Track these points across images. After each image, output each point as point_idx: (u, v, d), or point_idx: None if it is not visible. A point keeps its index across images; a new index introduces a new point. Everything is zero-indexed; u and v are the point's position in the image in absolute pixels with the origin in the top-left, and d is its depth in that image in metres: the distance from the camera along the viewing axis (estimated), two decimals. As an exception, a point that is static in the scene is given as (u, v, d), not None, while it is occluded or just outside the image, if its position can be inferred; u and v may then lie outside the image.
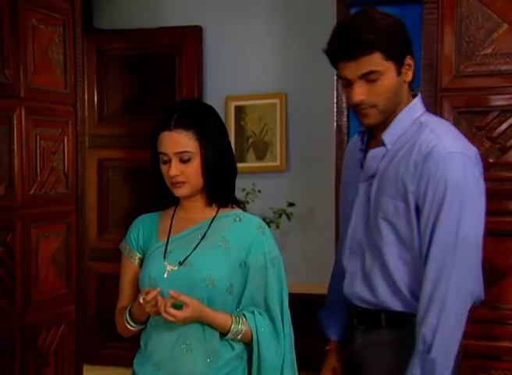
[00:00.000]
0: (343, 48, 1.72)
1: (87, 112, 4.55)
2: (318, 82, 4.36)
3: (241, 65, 4.57)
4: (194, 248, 1.75)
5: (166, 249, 1.77)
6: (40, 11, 2.95)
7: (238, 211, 1.82)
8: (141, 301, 1.67)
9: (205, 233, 1.77)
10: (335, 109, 3.54)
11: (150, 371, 1.77)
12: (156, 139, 1.75)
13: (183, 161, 1.71)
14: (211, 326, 1.73)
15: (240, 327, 1.73)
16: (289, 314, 1.82)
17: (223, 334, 1.74)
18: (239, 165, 4.42)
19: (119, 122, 4.70)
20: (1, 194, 2.77)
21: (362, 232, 1.84)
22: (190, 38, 4.57)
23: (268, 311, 1.77)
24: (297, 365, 4.25)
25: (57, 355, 3.10)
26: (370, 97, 1.74)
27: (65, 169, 3.16)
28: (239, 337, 1.74)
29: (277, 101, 4.48)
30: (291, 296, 4.67)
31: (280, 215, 4.28)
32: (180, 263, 1.74)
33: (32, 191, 2.95)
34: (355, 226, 1.86)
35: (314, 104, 4.41)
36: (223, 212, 1.81)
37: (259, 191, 4.33)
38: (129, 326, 1.80)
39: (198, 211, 1.81)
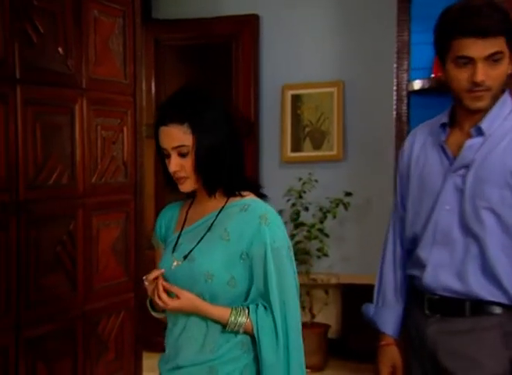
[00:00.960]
0: (475, 24, 1.70)
1: (144, 102, 4.59)
2: (376, 69, 4.29)
3: (298, 53, 4.53)
4: (198, 242, 1.71)
5: (177, 242, 1.76)
6: (101, 2, 2.99)
7: (248, 199, 1.73)
8: (145, 282, 1.68)
9: (211, 226, 1.72)
10: (394, 97, 3.47)
11: (162, 364, 1.77)
12: (157, 134, 1.71)
13: (181, 155, 1.67)
14: (213, 320, 1.68)
15: (239, 320, 1.66)
16: (295, 310, 1.70)
17: (224, 327, 1.68)
18: (295, 154, 4.55)
19: (176, 111, 4.73)
20: (64, 183, 2.83)
21: (453, 222, 1.81)
22: (246, 27, 4.56)
23: (269, 306, 1.67)
24: (353, 356, 4.18)
25: (117, 341, 3.16)
26: (488, 79, 1.75)
27: (124, 159, 3.20)
28: (240, 330, 1.67)
29: (334, 89, 4.43)
30: (347, 286, 4.62)
31: (337, 205, 4.24)
32: (185, 257, 1.71)
33: (93, 180, 3.00)
34: (440, 217, 1.83)
35: (372, 92, 4.34)
36: (233, 201, 1.73)
37: (316, 181, 4.30)
38: (153, 314, 1.80)
39: (210, 202, 1.75)
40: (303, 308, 4.32)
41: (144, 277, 1.69)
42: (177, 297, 1.65)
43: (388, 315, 2.01)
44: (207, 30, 4.62)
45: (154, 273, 1.67)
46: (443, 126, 1.89)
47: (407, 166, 1.98)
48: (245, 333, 1.67)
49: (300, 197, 4.29)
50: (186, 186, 1.70)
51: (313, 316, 4.36)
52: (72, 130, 2.87)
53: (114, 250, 3.13)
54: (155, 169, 4.78)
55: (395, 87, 3.42)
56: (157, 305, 1.74)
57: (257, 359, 1.68)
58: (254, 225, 1.66)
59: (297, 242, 4.31)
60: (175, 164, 1.67)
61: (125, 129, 3.20)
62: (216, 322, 1.67)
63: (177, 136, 1.66)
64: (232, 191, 1.73)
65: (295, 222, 4.31)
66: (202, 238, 1.71)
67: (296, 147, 4.56)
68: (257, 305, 1.67)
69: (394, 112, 3.45)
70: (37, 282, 2.67)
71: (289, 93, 4.55)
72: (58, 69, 2.75)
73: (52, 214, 2.78)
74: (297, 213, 4.31)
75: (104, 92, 3.05)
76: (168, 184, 1.76)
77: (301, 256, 4.30)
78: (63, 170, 2.81)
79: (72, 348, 2.88)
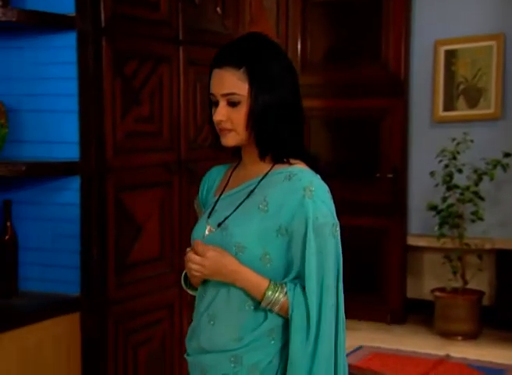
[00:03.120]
0: None
1: (290, 62, 4.56)
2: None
3: (453, 5, 4.28)
4: (235, 209, 1.52)
5: (214, 207, 1.57)
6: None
7: (295, 168, 1.50)
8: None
9: (250, 193, 1.52)
10: None
11: (188, 340, 1.60)
12: (210, 78, 1.51)
13: (231, 104, 1.47)
14: (239, 296, 1.48)
15: (277, 296, 1.45)
16: (332, 297, 1.46)
17: (258, 303, 1.47)
18: (448, 113, 4.35)
19: (321, 71, 4.66)
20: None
21: None
22: (398, -20, 4.36)
23: (306, 290, 1.45)
24: (508, 325, 3.84)
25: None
26: None
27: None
28: (276, 308, 1.46)
29: (493, 43, 4.15)
30: (503, 252, 4.39)
31: (494, 166, 4.01)
32: (219, 225, 1.52)
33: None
34: None
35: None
36: (278, 168, 1.52)
37: (471, 141, 4.08)
38: (188, 291, 1.64)
39: (254, 166, 1.54)
40: (454, 273, 4.16)
41: (188, 249, 1.52)
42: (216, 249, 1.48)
43: None
44: (356, -15, 4.47)
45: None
46: None
47: None
48: (278, 315, 1.47)
49: (454, 158, 4.09)
50: (229, 139, 1.49)
51: (465, 283, 4.19)
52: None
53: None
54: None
55: None
56: (191, 277, 1.55)
57: (287, 347, 1.47)
58: (296, 197, 1.46)
59: (449, 205, 4.13)
60: (221, 113, 1.47)
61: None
62: (247, 300, 1.48)
63: (230, 81, 1.46)
64: (281, 156, 1.52)
65: (448, 184, 4.13)
66: (239, 206, 1.52)
67: (449, 106, 4.34)
68: (295, 284, 1.47)
69: None
70: (198, 240, 2.73)
71: (442, 49, 4.31)
72: (216, 30, 2.76)
73: (210, 174, 2.82)
74: (450, 175, 4.12)
75: (258, 52, 3.03)
76: (215, 141, 1.55)
77: (453, 220, 4.13)
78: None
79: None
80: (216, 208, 1.56)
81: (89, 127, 2.22)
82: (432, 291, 4.29)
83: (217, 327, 1.51)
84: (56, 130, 2.27)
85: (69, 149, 2.25)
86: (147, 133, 2.45)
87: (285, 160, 1.51)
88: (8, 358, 2.03)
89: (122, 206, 2.34)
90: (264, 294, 1.46)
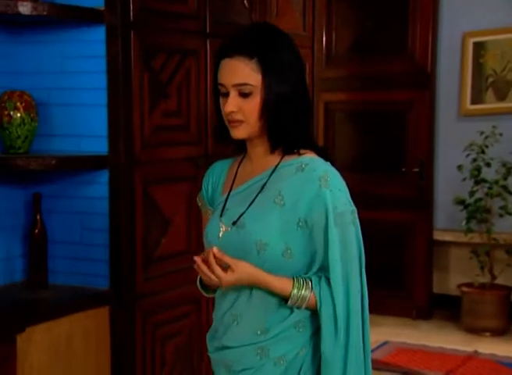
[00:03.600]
0: None
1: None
2: None
3: (482, -4, 4.23)
4: (249, 206, 1.48)
5: (225, 206, 1.53)
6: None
7: (306, 158, 1.47)
8: (197, 262, 1.45)
9: (263, 187, 1.48)
10: None
11: (209, 340, 1.59)
12: (217, 67, 1.48)
13: (242, 95, 1.44)
14: (262, 295, 1.46)
15: (303, 293, 1.44)
16: (356, 285, 1.46)
17: (285, 301, 1.46)
18: (476, 106, 4.29)
19: (346, 64, 4.62)
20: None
21: None
22: (425, -30, 4.31)
23: (330, 280, 1.45)
24: None
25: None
26: None
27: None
28: (303, 304, 1.45)
29: (523, 34, 4.09)
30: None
31: (524, 160, 3.96)
32: (233, 223, 1.49)
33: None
34: None
35: None
36: (288, 159, 1.49)
37: (500, 135, 4.02)
38: (204, 294, 1.61)
39: (262, 159, 1.51)
40: (481, 268, 4.11)
41: (196, 258, 1.46)
42: (231, 269, 1.43)
43: None
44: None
45: (208, 254, 1.44)
46: None
47: None
48: (306, 308, 1.46)
49: (482, 152, 4.04)
50: (240, 131, 1.46)
51: (493, 278, 4.14)
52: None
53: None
54: (324, 123, 4.72)
55: None
56: (207, 283, 1.51)
57: (314, 337, 1.48)
58: (312, 188, 1.44)
59: (477, 200, 4.09)
60: (233, 104, 1.44)
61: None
62: (271, 297, 1.47)
63: (242, 72, 1.43)
64: (292, 147, 1.49)
65: (475, 178, 4.08)
66: (253, 201, 1.48)
67: (477, 99, 4.29)
68: (319, 277, 1.46)
69: None
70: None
71: (471, 41, 4.26)
72: (243, 23, 2.74)
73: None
74: (478, 169, 4.07)
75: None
76: (219, 131, 1.52)
77: (481, 214, 4.08)
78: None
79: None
80: (227, 206, 1.53)
81: (117, 121, 2.22)
82: (459, 286, 4.25)
83: (241, 326, 1.49)
84: (85, 124, 2.27)
85: (97, 143, 2.25)
86: (174, 127, 2.45)
87: (295, 151, 1.49)
88: (39, 350, 2.04)
89: (150, 200, 2.35)
90: (290, 293, 1.45)
